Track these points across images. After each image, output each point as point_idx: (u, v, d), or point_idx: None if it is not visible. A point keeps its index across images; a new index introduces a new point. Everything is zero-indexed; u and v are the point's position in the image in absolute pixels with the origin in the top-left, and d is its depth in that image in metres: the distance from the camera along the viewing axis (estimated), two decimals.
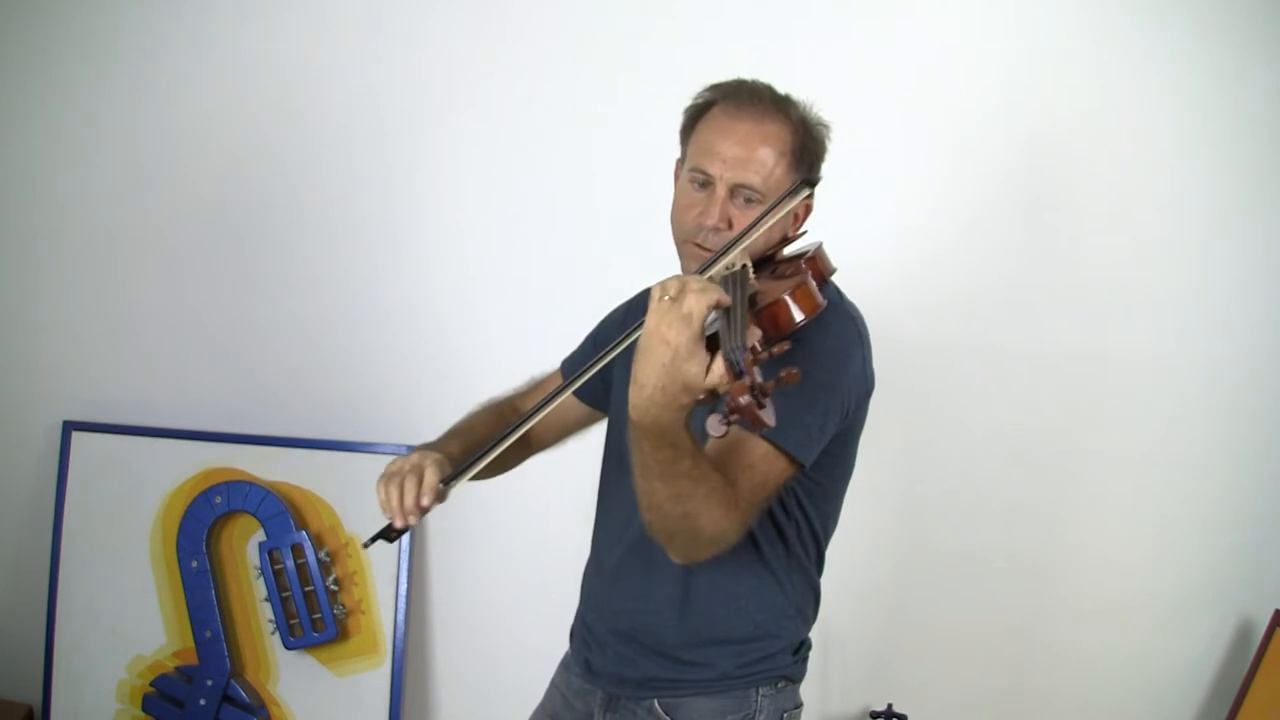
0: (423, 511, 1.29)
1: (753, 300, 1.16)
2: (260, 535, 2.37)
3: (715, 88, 1.38)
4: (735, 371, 0.97)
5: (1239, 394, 2.20)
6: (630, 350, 1.11)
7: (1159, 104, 2.14)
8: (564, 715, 1.53)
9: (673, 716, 1.40)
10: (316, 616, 2.34)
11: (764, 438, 1.22)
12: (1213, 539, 2.24)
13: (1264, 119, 2.12)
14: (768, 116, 1.32)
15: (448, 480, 1.32)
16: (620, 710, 1.44)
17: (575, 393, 1.38)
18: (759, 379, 0.96)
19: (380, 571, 2.36)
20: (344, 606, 2.36)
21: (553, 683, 1.59)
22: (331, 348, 2.42)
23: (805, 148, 1.34)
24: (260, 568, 2.35)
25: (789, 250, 1.41)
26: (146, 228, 2.43)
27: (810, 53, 2.15)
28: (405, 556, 2.35)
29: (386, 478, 1.31)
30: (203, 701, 2.36)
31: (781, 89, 1.37)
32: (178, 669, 2.38)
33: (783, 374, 0.98)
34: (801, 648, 1.46)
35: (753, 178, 1.31)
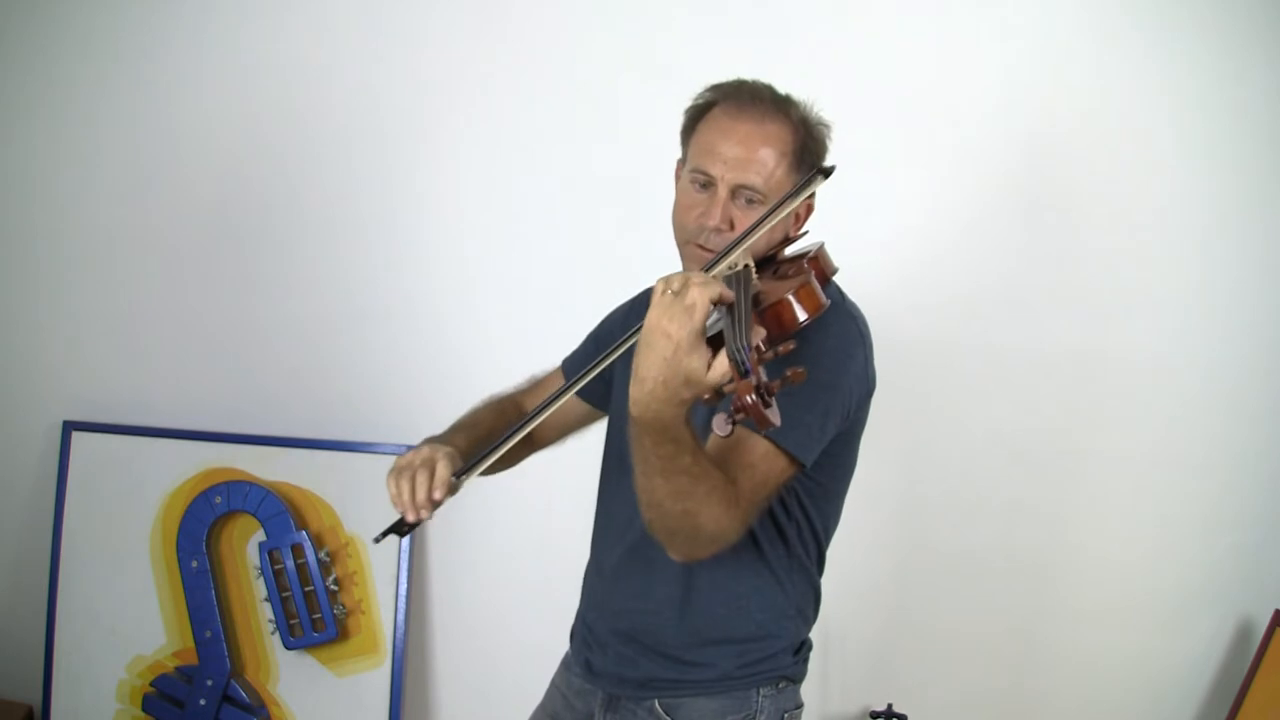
0: (435, 505, 1.29)
1: (756, 300, 1.16)
2: (260, 535, 2.37)
3: (716, 88, 1.38)
4: (741, 370, 0.97)
5: (1239, 394, 2.20)
6: (632, 350, 1.11)
7: (1159, 104, 2.13)
8: (564, 715, 1.53)
9: (673, 717, 1.40)
10: (316, 616, 2.34)
11: (765, 437, 1.22)
12: (1213, 539, 2.24)
13: (1264, 119, 2.12)
14: (768, 117, 1.32)
15: (460, 474, 1.31)
16: (621, 710, 1.44)
17: (577, 392, 1.38)
18: (764, 378, 0.96)
19: (380, 571, 2.36)
20: (344, 606, 2.36)
21: (553, 683, 1.60)
22: (331, 348, 2.42)
23: (806, 148, 1.34)
24: (260, 568, 2.35)
25: (790, 250, 1.41)
26: (146, 228, 2.43)
27: (810, 53, 2.15)
28: (405, 556, 2.35)
29: (397, 471, 1.30)
30: (203, 701, 2.36)
31: (782, 89, 1.37)
32: (178, 669, 2.38)
33: (788, 373, 0.98)
34: (802, 648, 1.46)
35: (754, 178, 1.31)
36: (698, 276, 1.07)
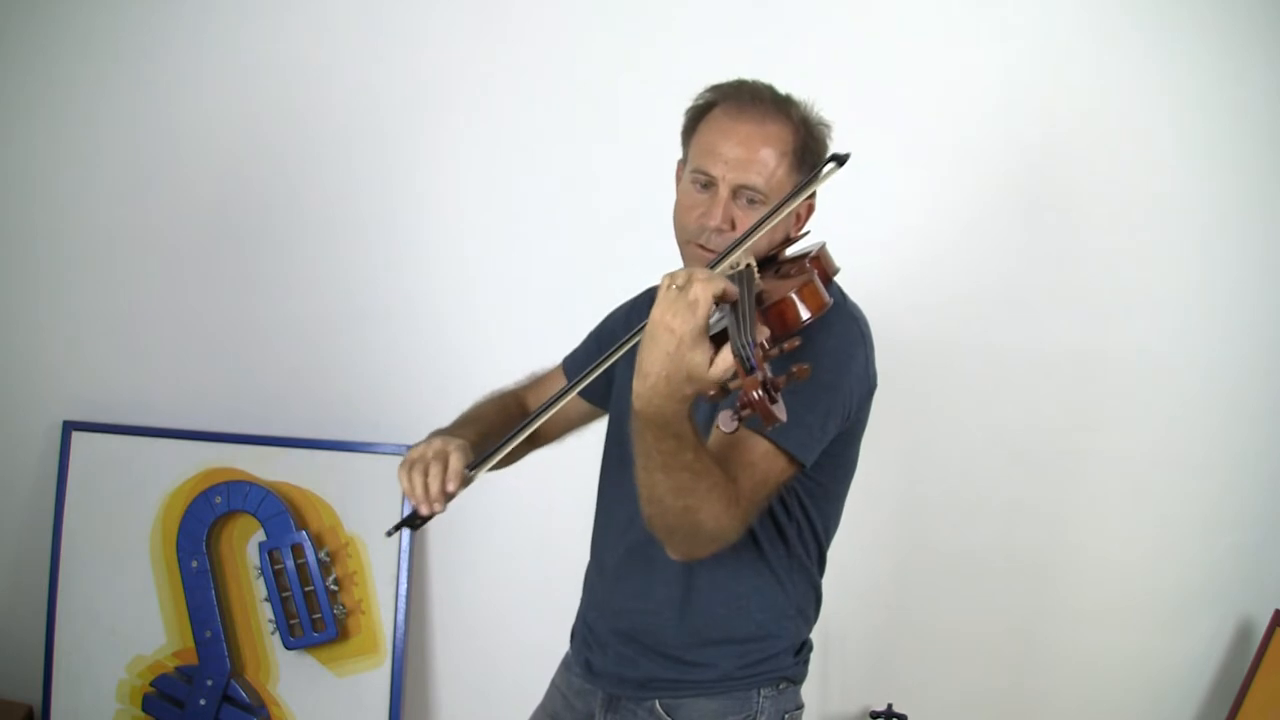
0: (448, 498, 1.27)
1: (759, 298, 1.16)
2: (260, 535, 2.37)
3: (716, 89, 1.38)
4: (746, 366, 0.97)
5: (1239, 394, 2.20)
6: (634, 349, 1.11)
7: (1159, 104, 2.14)
8: (564, 715, 1.53)
9: (673, 717, 1.40)
10: (316, 616, 2.34)
11: (765, 436, 1.22)
12: (1213, 539, 2.24)
13: (1264, 119, 2.12)
14: (769, 117, 1.33)
15: (473, 466, 1.30)
16: (621, 711, 1.44)
17: (580, 391, 1.38)
18: (770, 374, 0.97)
19: (380, 571, 2.36)
20: (344, 606, 2.36)
21: (553, 683, 1.60)
22: (331, 348, 2.42)
23: (807, 148, 1.34)
24: (260, 568, 2.35)
25: (791, 251, 1.41)
26: (146, 228, 2.43)
27: (811, 52, 2.15)
28: (405, 556, 2.35)
29: (409, 464, 1.29)
30: (203, 701, 2.36)
31: (782, 89, 1.38)
32: (178, 669, 2.38)
33: (794, 369, 0.98)
34: (803, 648, 1.46)
35: (755, 179, 1.31)
36: (702, 273, 1.07)
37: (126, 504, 2.40)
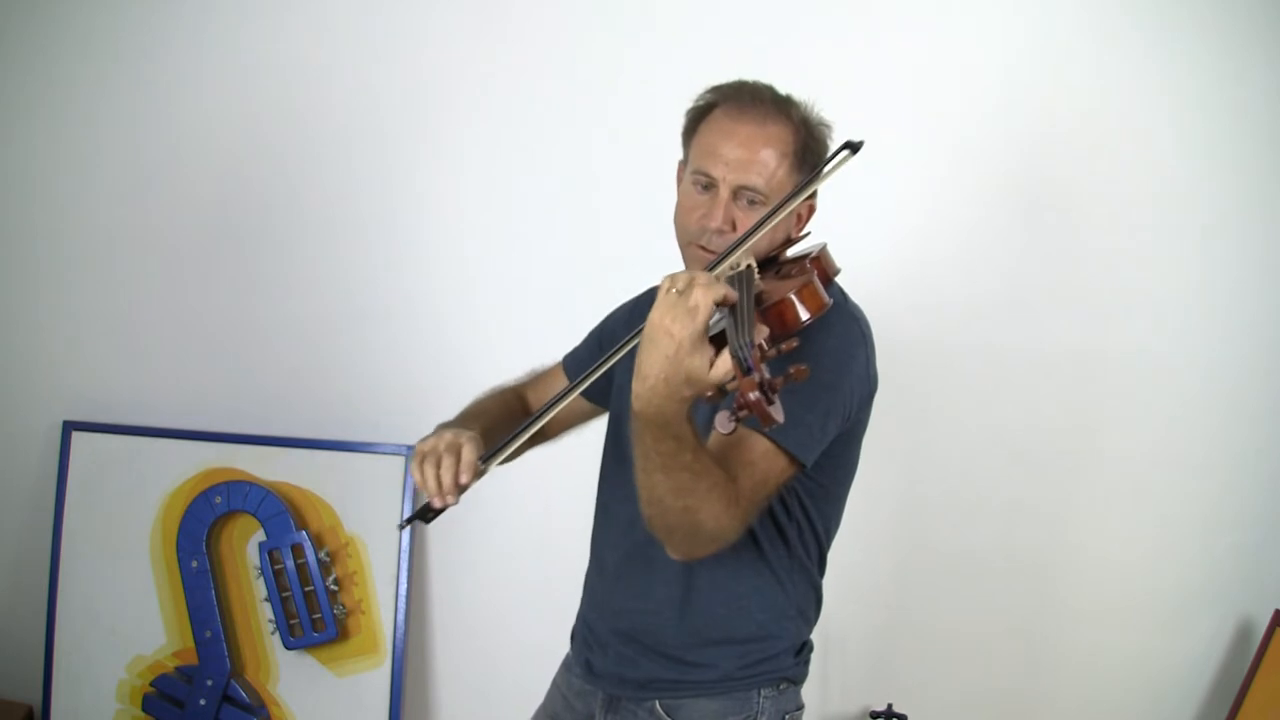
0: (461, 490, 1.27)
1: (758, 299, 1.16)
2: (260, 535, 2.37)
3: (716, 89, 1.38)
4: (744, 368, 0.97)
5: (1239, 394, 2.20)
6: (635, 349, 1.11)
7: (1159, 104, 2.14)
8: (565, 716, 1.53)
9: (674, 718, 1.40)
10: (316, 616, 2.34)
11: (766, 436, 1.22)
12: (1213, 539, 2.24)
13: (1264, 119, 2.12)
14: (769, 118, 1.32)
15: (486, 458, 1.29)
16: (621, 711, 1.44)
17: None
18: (767, 375, 0.97)
19: (380, 571, 2.36)
20: (344, 606, 2.36)
21: (554, 683, 1.60)
22: (331, 348, 2.42)
23: (807, 148, 1.34)
24: (260, 568, 2.35)
25: (792, 251, 1.41)
26: (146, 228, 2.43)
27: (810, 53, 2.15)
28: (405, 556, 2.35)
29: (421, 457, 1.28)
30: (203, 701, 2.36)
31: (782, 89, 1.37)
32: (178, 669, 2.38)
33: (791, 370, 0.98)
34: (803, 649, 1.46)
35: (756, 179, 1.31)
36: (702, 277, 1.07)
37: (126, 504, 2.40)
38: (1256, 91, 2.11)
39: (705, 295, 1.04)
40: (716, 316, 1.06)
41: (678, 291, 1.06)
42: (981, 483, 2.27)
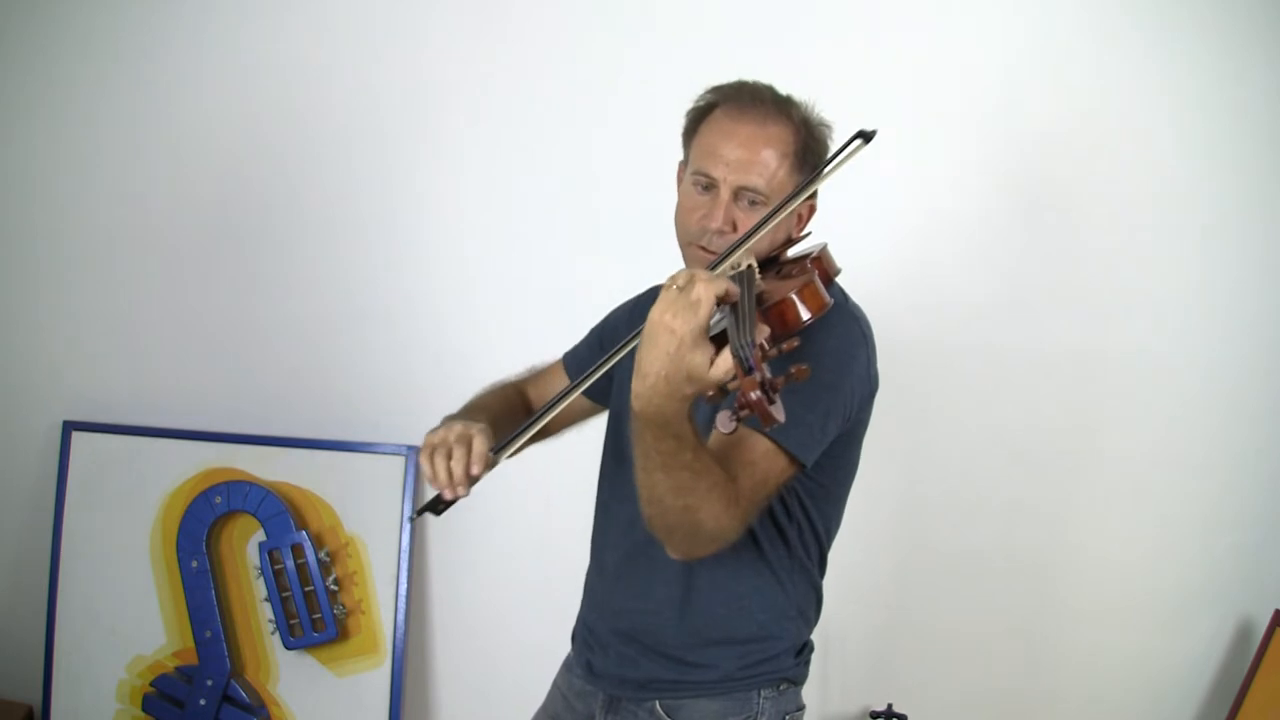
0: (473, 481, 1.25)
1: (759, 299, 1.16)
2: (260, 535, 2.37)
3: (716, 90, 1.38)
4: (745, 367, 0.97)
5: (1239, 394, 2.20)
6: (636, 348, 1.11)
7: (1159, 104, 2.14)
8: (565, 716, 1.53)
9: (674, 718, 1.40)
10: (316, 616, 2.34)
11: (766, 435, 1.22)
12: (1213, 539, 2.24)
13: (1264, 119, 2.12)
14: (770, 118, 1.32)
15: (497, 450, 1.28)
16: (622, 712, 1.44)
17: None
18: (768, 374, 0.97)
19: (380, 571, 2.36)
20: (344, 606, 2.36)
21: (555, 684, 1.60)
22: (331, 348, 2.42)
23: (808, 148, 1.34)
24: (260, 568, 2.35)
25: (793, 251, 1.41)
26: (146, 228, 2.43)
27: (810, 53, 2.15)
28: (405, 556, 2.35)
29: (430, 449, 1.27)
30: (203, 701, 2.36)
31: (782, 89, 1.37)
32: (178, 669, 2.38)
33: (792, 370, 0.98)
34: (804, 649, 1.46)
35: (756, 180, 1.31)
36: (703, 273, 1.07)
37: (126, 504, 2.40)
38: (1256, 91, 2.11)
39: (707, 290, 1.04)
40: (717, 317, 1.06)
41: (679, 288, 1.06)
42: (981, 483, 2.27)
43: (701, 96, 1.39)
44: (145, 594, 2.39)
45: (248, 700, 2.37)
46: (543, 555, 2.33)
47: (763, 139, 1.32)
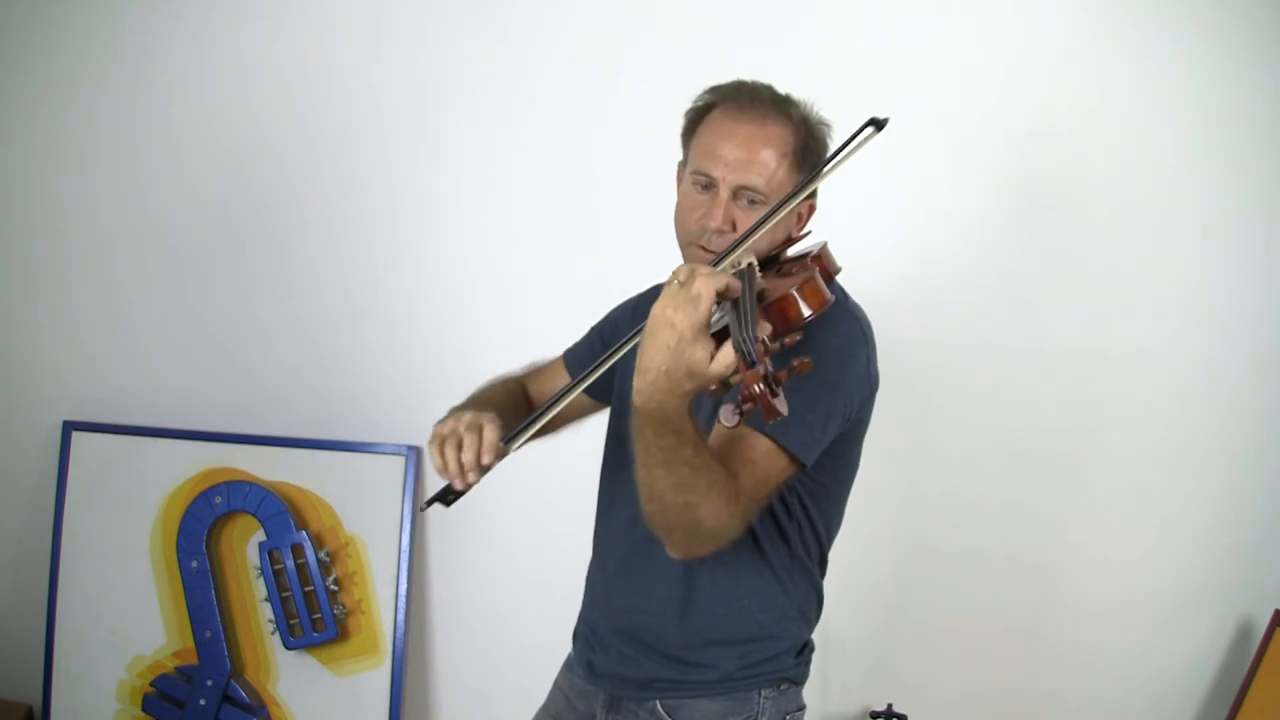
0: (483, 470, 1.24)
1: (760, 296, 1.16)
2: (260, 535, 2.37)
3: (715, 90, 1.38)
4: (748, 361, 0.97)
5: (1239, 394, 2.20)
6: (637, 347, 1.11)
7: (1159, 104, 2.14)
8: (566, 716, 1.53)
9: (675, 718, 1.40)
10: (316, 616, 2.34)
11: (766, 434, 1.22)
12: (1213, 539, 2.24)
13: (1264, 119, 2.12)
14: (769, 118, 1.33)
15: (508, 439, 1.27)
16: (622, 712, 1.44)
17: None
18: (770, 368, 0.97)
19: (380, 571, 2.36)
20: (344, 606, 2.36)
21: (556, 683, 1.60)
22: (331, 348, 2.42)
23: (807, 147, 1.35)
24: (260, 568, 2.35)
25: (793, 250, 1.41)
26: (146, 228, 2.43)
27: (810, 52, 2.15)
28: (405, 556, 2.35)
29: (440, 439, 1.25)
30: (203, 701, 2.36)
31: (782, 89, 1.37)
32: (178, 669, 2.38)
33: (795, 364, 0.98)
34: (804, 649, 1.46)
35: (755, 179, 1.31)
36: (704, 269, 1.07)
37: (126, 504, 2.40)
38: (1256, 91, 2.11)
39: (707, 285, 1.04)
40: (718, 314, 1.06)
41: (680, 283, 1.06)
42: (981, 483, 2.27)
43: (700, 96, 1.39)
44: (145, 594, 2.39)
45: (248, 700, 2.37)
46: (543, 555, 2.33)
47: (761, 139, 1.32)
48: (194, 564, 2.37)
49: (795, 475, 1.28)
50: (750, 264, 1.19)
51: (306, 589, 2.35)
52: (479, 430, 1.24)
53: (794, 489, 1.35)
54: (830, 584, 1.49)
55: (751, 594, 1.39)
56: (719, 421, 0.99)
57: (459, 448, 1.23)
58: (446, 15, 2.29)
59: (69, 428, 2.43)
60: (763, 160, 1.31)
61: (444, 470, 1.24)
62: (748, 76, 1.39)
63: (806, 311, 1.16)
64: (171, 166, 2.40)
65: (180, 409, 2.44)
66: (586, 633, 1.53)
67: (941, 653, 2.32)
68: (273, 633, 2.36)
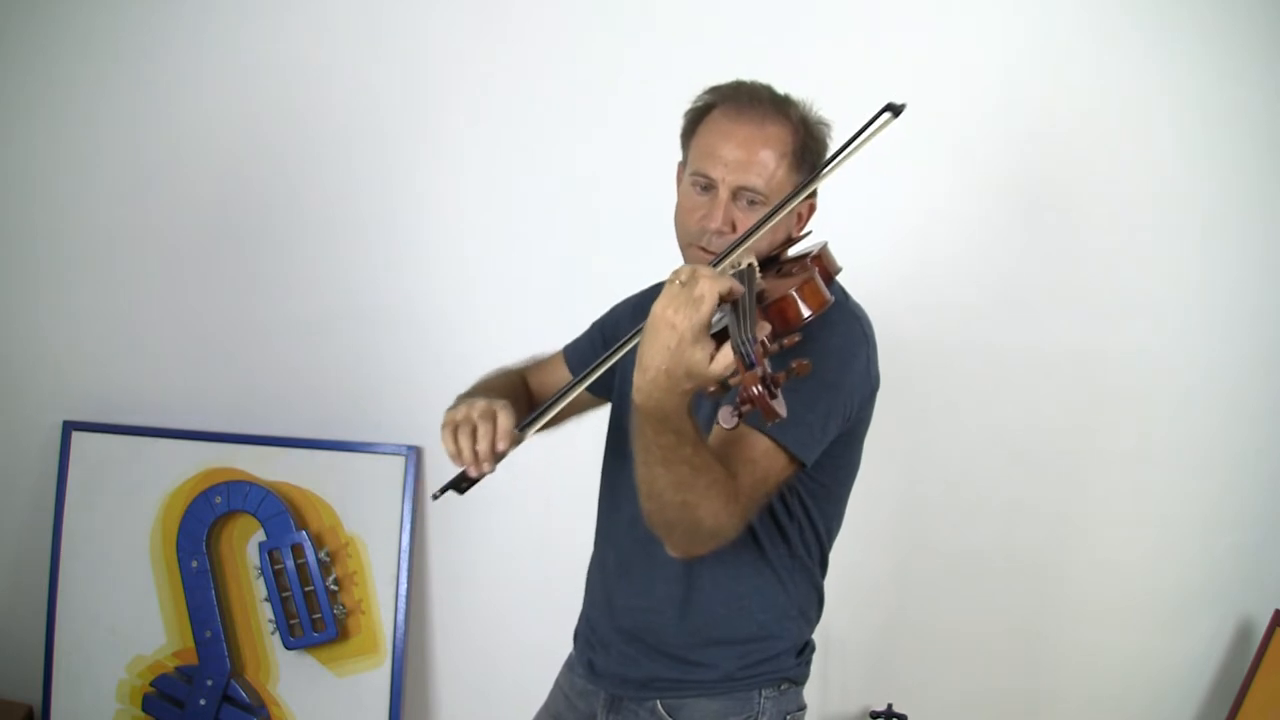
0: (498, 458, 1.22)
1: (760, 296, 1.16)
2: (260, 535, 2.37)
3: (714, 90, 1.38)
4: (747, 362, 0.97)
5: (1239, 394, 2.20)
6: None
7: (1159, 104, 2.13)
8: (567, 716, 1.53)
9: (675, 718, 1.40)
10: (316, 616, 2.34)
11: (766, 434, 1.22)
12: (1213, 539, 2.24)
13: (1264, 119, 2.12)
14: (768, 118, 1.33)
15: (523, 426, 1.25)
16: (623, 711, 1.44)
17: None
18: (769, 370, 0.97)
19: (380, 571, 2.36)
20: (344, 606, 2.36)
21: (556, 683, 1.60)
22: (332, 348, 2.42)
23: (807, 147, 1.35)
24: (260, 568, 2.35)
25: (793, 250, 1.41)
26: (146, 228, 2.43)
27: (810, 53, 2.15)
28: (405, 556, 2.35)
29: (453, 427, 1.23)
30: (203, 701, 2.36)
31: (782, 89, 1.37)
32: (178, 669, 2.38)
33: (794, 365, 0.98)
34: (805, 649, 1.46)
35: (755, 180, 1.31)
36: (707, 270, 1.07)
37: (126, 504, 2.40)
38: (1256, 91, 2.11)
39: (710, 287, 1.04)
40: (718, 315, 1.06)
41: (681, 283, 1.06)
42: (981, 483, 2.27)
43: (699, 97, 1.39)
44: (145, 594, 2.39)
45: (248, 700, 2.37)
46: (543, 555, 2.33)
47: (761, 139, 1.32)
48: (194, 564, 2.37)
49: (795, 475, 1.28)
50: (750, 265, 1.19)
51: (306, 589, 2.35)
52: (493, 417, 1.23)
53: (794, 489, 1.35)
54: (830, 584, 1.49)
55: (752, 594, 1.39)
56: (718, 423, 0.99)
57: (473, 435, 1.22)
58: (446, 15, 2.28)
59: (69, 427, 2.43)
60: (762, 161, 1.31)
61: (458, 457, 1.23)
62: (747, 76, 1.39)
63: (806, 312, 1.16)
64: (171, 166, 2.40)
65: (180, 409, 2.44)
66: (587, 632, 1.53)
67: (941, 653, 2.32)
68: (273, 633, 2.36)
